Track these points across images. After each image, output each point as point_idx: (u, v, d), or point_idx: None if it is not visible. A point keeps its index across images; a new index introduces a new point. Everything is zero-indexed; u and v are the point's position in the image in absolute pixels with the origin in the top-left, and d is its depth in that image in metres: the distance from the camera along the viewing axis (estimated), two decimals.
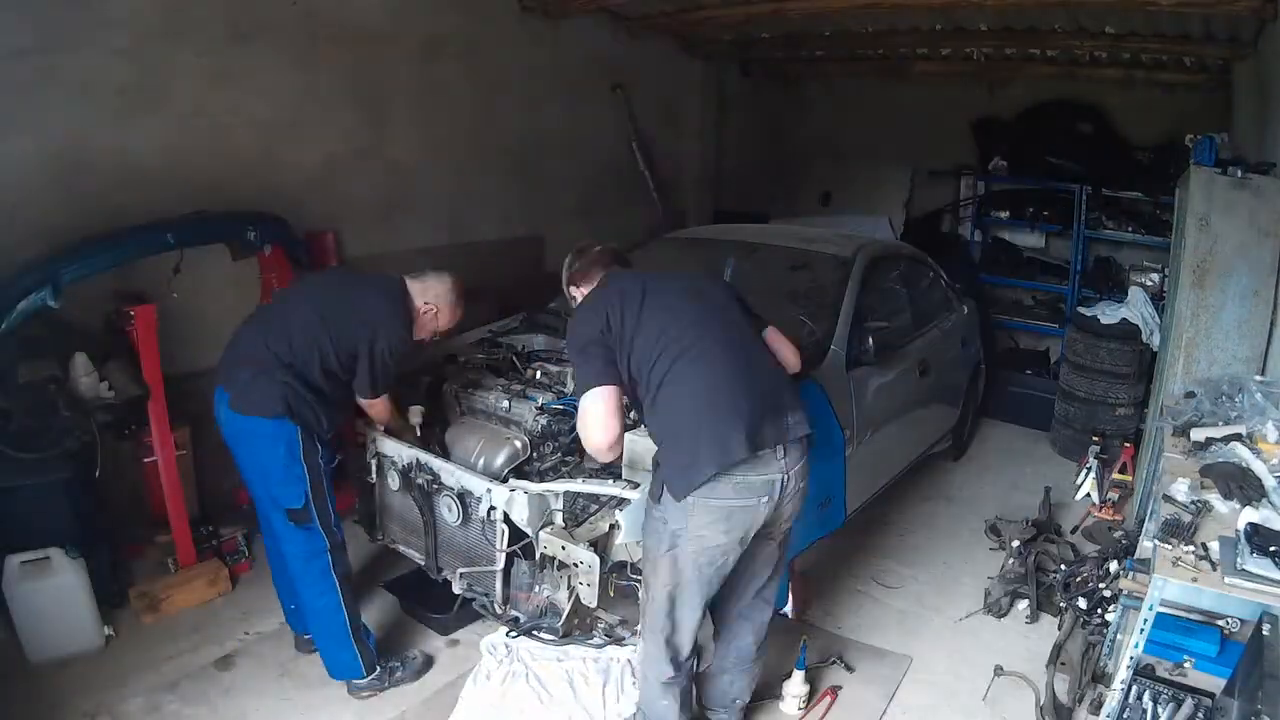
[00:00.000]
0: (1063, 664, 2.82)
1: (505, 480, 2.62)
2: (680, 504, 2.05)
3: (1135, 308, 4.66)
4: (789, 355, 2.45)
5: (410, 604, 3.15)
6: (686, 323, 2.15)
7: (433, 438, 3.01)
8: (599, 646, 2.72)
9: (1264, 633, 1.82)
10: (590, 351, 2.16)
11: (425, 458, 2.81)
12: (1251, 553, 1.88)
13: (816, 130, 7.18)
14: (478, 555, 2.70)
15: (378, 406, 2.74)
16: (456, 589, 2.78)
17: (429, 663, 2.89)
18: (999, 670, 2.81)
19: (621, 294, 2.22)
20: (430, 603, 3.05)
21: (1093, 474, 4.13)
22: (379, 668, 2.71)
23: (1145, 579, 2.10)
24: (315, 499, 2.52)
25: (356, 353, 2.55)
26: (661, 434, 2.15)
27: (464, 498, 2.66)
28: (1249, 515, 2.02)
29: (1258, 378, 2.91)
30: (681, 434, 2.09)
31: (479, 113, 4.82)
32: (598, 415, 2.15)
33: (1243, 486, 2.20)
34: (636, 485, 2.46)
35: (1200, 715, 2.16)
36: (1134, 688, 2.18)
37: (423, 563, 2.91)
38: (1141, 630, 2.04)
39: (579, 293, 2.49)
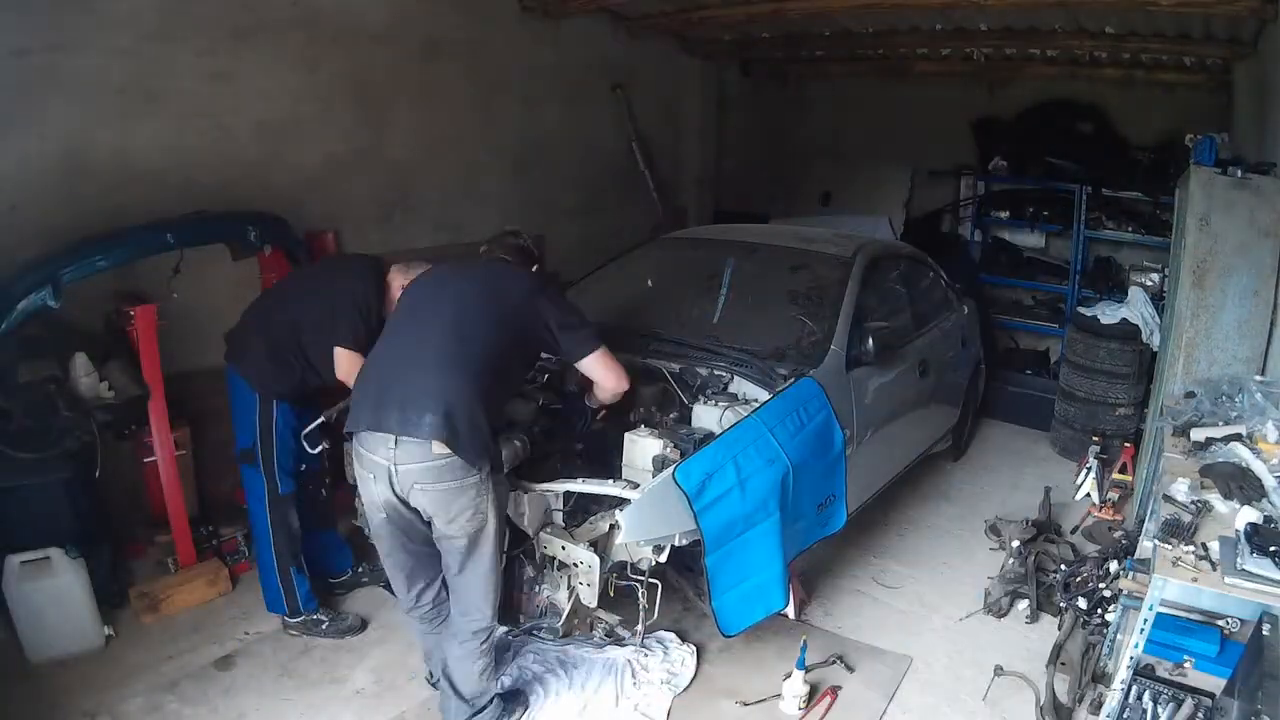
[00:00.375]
0: (1063, 664, 2.82)
1: None
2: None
3: (1135, 308, 4.66)
4: (598, 379, 2.55)
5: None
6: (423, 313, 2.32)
7: None
8: (599, 646, 2.73)
9: (1264, 633, 1.83)
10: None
11: None
12: (1251, 553, 1.88)
13: (816, 130, 7.18)
14: None
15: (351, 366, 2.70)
16: None
17: (361, 625, 3.09)
18: (999, 670, 2.81)
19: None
20: None
21: (1093, 474, 4.12)
22: (304, 615, 3.01)
23: (1145, 579, 2.10)
24: (263, 446, 2.88)
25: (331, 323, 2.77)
26: None
27: None
28: (1248, 515, 2.02)
29: (1258, 378, 2.91)
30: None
31: (479, 113, 4.82)
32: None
33: (1243, 486, 2.20)
34: (636, 485, 2.46)
35: (1200, 715, 2.16)
36: (1134, 688, 2.18)
37: None
38: (1141, 630, 2.04)
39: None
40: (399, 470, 2.15)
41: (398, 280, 2.80)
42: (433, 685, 2.61)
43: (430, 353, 2.20)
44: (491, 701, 2.44)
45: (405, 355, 2.25)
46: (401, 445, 2.12)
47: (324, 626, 3.04)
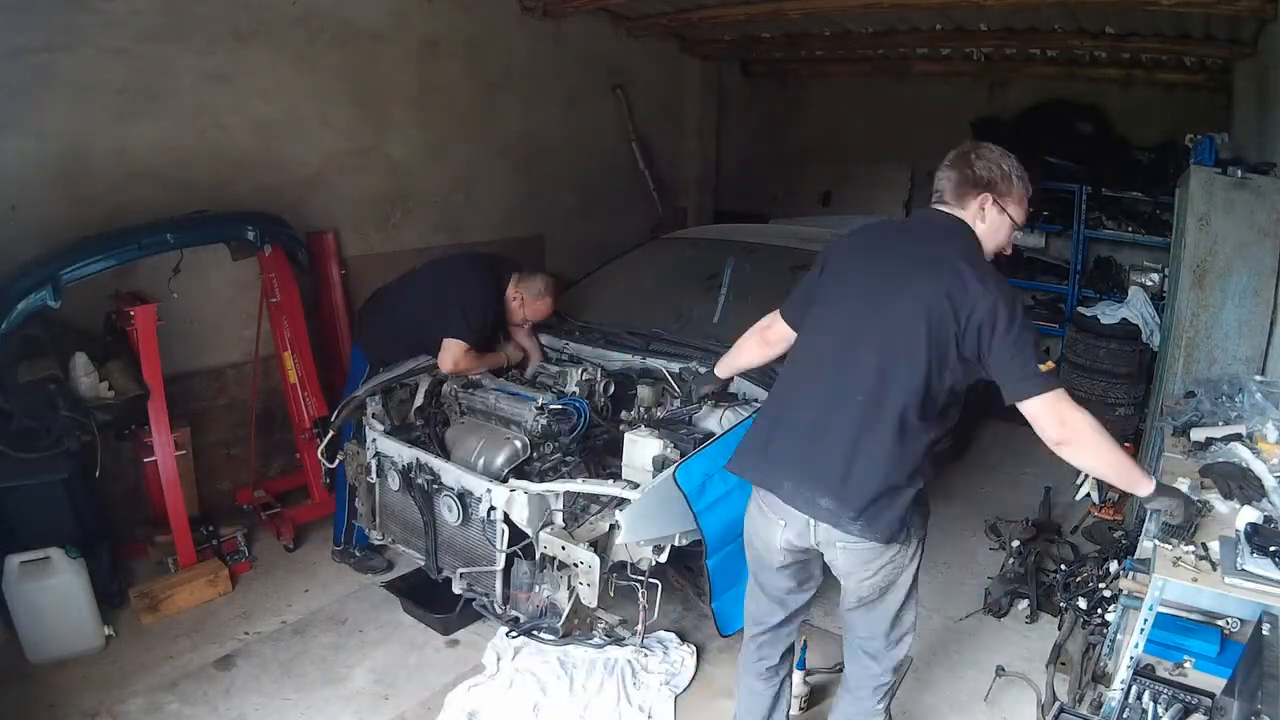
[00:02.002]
0: (1063, 664, 2.82)
1: (505, 480, 2.62)
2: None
3: (1135, 308, 4.66)
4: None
5: (411, 604, 3.14)
6: None
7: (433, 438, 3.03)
8: (599, 646, 2.73)
9: (1264, 633, 1.82)
10: None
11: (425, 458, 2.81)
12: (1251, 553, 1.88)
13: (816, 130, 7.17)
14: (478, 555, 2.70)
15: (458, 355, 3.09)
16: (456, 589, 2.78)
17: (388, 567, 3.42)
18: (1000, 670, 2.81)
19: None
20: (431, 603, 3.05)
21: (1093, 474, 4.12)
22: (343, 547, 3.45)
23: (1145, 579, 2.10)
24: None
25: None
26: None
27: (464, 498, 2.67)
28: (1248, 515, 2.02)
29: (1258, 378, 2.91)
30: None
31: (479, 113, 4.82)
32: None
33: (1243, 486, 2.20)
34: (636, 485, 2.46)
35: (1200, 715, 2.16)
36: (1134, 688, 2.18)
37: (423, 563, 2.91)
38: (1141, 630, 2.04)
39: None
40: (819, 529, 1.93)
41: (512, 288, 3.28)
42: None
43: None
44: None
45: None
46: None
47: (353, 560, 3.43)
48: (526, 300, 3.29)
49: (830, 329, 1.96)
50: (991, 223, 2.07)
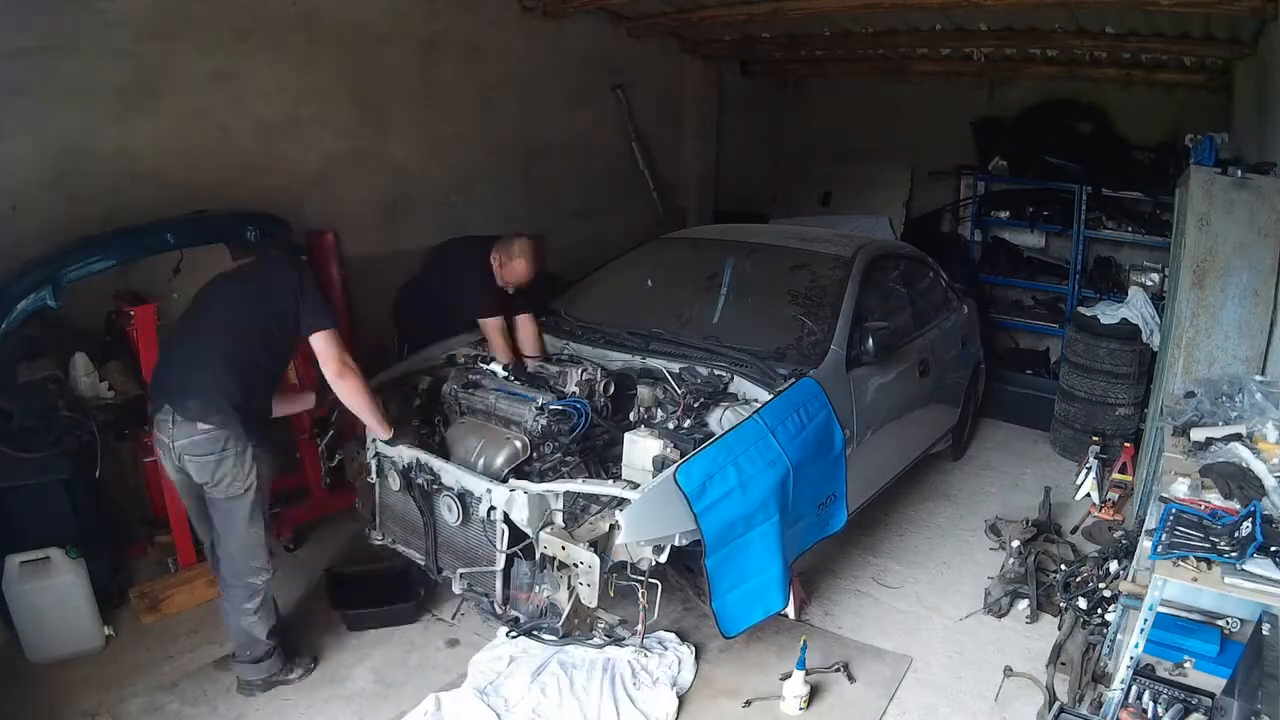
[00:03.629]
0: (1063, 664, 2.82)
1: (505, 480, 2.62)
2: None
3: (1135, 308, 4.66)
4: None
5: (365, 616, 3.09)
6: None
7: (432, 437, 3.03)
8: (599, 646, 2.73)
9: (1264, 633, 1.82)
10: None
11: (425, 458, 2.81)
12: (1252, 553, 1.88)
13: (816, 130, 7.18)
14: (478, 555, 2.70)
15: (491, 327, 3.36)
16: (456, 589, 2.78)
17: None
18: (1008, 671, 2.80)
19: None
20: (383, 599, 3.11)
21: (1093, 474, 4.12)
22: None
23: (1145, 579, 2.10)
24: None
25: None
26: None
27: (464, 498, 2.67)
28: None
29: (1258, 378, 2.91)
30: None
31: (479, 113, 4.82)
32: None
33: (1243, 486, 2.20)
34: (636, 485, 2.46)
35: (1200, 715, 2.16)
36: (1134, 688, 2.18)
37: (423, 563, 2.91)
38: (1141, 630, 2.04)
39: None
40: (177, 446, 2.55)
41: (495, 255, 3.48)
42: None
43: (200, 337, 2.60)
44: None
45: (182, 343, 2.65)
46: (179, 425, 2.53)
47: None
48: (504, 263, 3.46)
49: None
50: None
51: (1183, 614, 2.35)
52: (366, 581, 3.24)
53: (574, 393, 2.99)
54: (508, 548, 2.57)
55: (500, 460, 2.75)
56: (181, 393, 2.50)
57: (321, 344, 2.61)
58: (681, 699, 2.72)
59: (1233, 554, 1.90)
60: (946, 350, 4.22)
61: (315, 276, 2.78)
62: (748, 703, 2.70)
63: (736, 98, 6.97)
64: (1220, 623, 2.32)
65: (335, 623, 3.07)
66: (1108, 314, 4.69)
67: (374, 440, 3.01)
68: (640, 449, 2.59)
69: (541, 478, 2.66)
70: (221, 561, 2.71)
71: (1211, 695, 2.15)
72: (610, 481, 2.54)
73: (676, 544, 2.47)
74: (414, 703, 2.68)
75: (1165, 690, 2.20)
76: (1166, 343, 3.69)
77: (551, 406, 2.83)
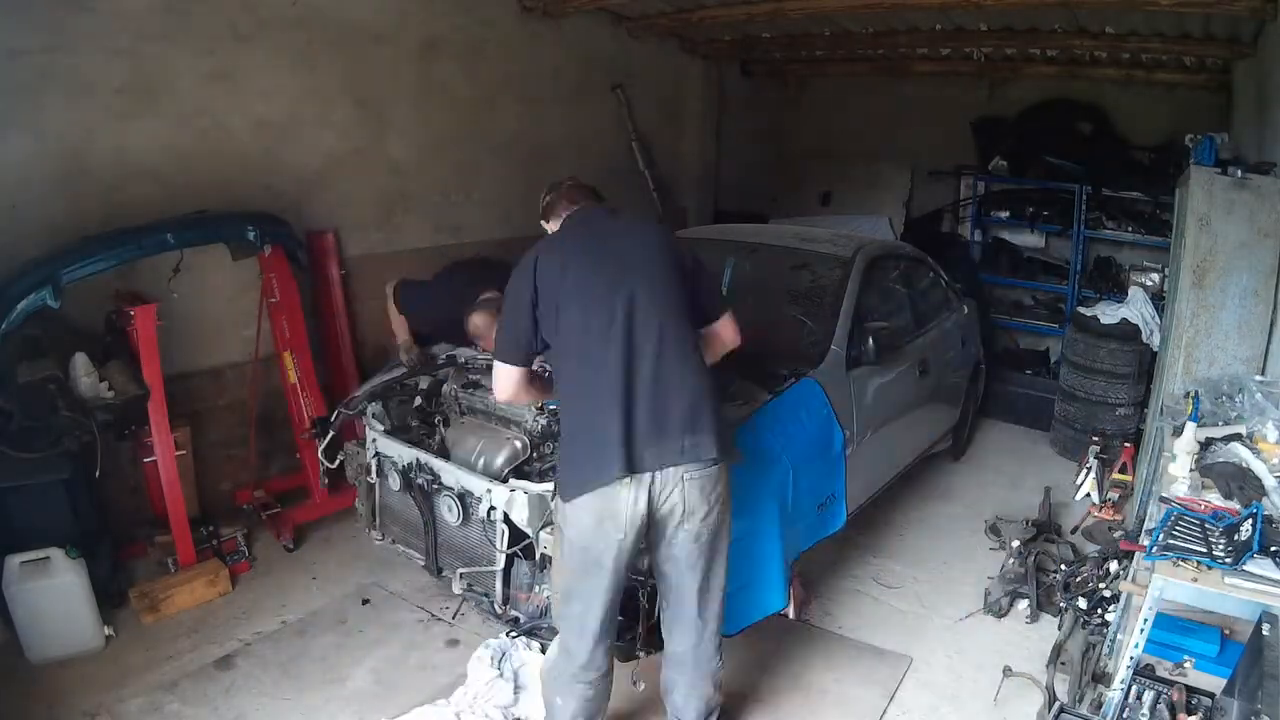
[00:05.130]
0: (1063, 664, 2.82)
1: (505, 480, 2.62)
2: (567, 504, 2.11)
3: (1135, 308, 4.66)
4: (728, 340, 2.34)
5: None
6: (595, 325, 2.05)
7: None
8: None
9: (1264, 633, 1.82)
10: (510, 320, 2.17)
11: (425, 458, 2.81)
12: (1247, 559, 1.88)
13: (817, 130, 7.18)
14: (478, 555, 2.70)
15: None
16: (456, 589, 2.78)
17: None
18: (1008, 671, 2.80)
19: (552, 260, 2.15)
20: None
21: (1093, 474, 4.12)
22: None
23: (1145, 579, 2.10)
24: None
25: None
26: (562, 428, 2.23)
27: (464, 498, 2.67)
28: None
29: (1258, 378, 2.90)
30: (570, 441, 2.16)
31: (479, 113, 4.82)
32: (501, 384, 2.21)
33: (1243, 486, 2.20)
34: None
35: (1200, 715, 2.16)
36: (1134, 688, 2.18)
37: (423, 563, 2.91)
38: (1141, 630, 2.04)
39: (549, 228, 2.40)
40: (666, 494, 2.07)
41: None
42: None
43: (639, 369, 2.08)
44: None
45: (613, 390, 2.07)
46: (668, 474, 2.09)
47: None
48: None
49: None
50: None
51: (1183, 614, 2.35)
52: None
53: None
54: (508, 548, 2.57)
55: (500, 460, 2.75)
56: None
57: None
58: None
59: (1227, 560, 1.90)
60: (946, 350, 4.22)
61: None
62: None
63: (736, 98, 6.97)
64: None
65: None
66: (1108, 314, 4.69)
67: (374, 440, 3.01)
68: None
69: (541, 478, 2.66)
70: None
71: (1211, 695, 2.16)
72: None
73: None
74: (414, 703, 2.68)
75: (1165, 690, 2.20)
76: (1166, 343, 3.69)
77: (551, 406, 2.82)
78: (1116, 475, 4.02)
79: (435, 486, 2.75)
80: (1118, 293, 5.08)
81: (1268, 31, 3.80)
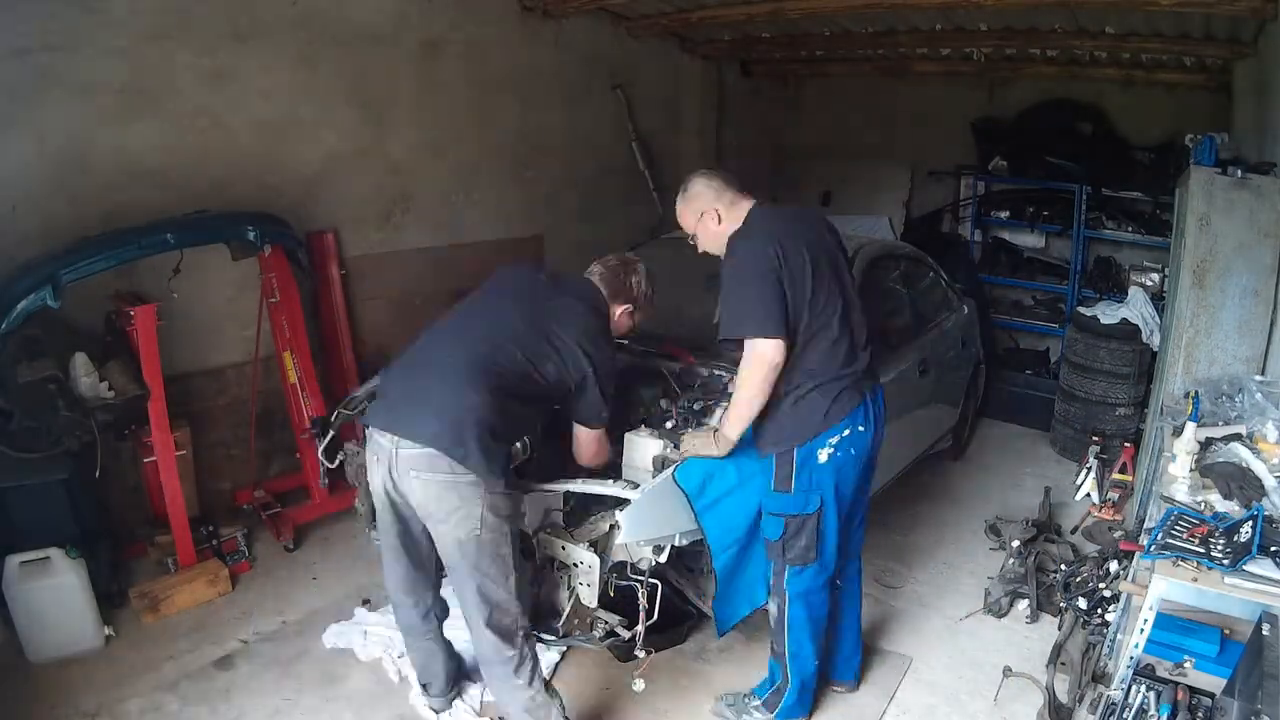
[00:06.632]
0: (1063, 664, 2.82)
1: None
2: None
3: (1135, 308, 4.66)
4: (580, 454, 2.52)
5: None
6: None
7: None
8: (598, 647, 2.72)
9: (1264, 633, 1.82)
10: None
11: None
12: (1245, 562, 1.88)
13: (817, 130, 7.17)
14: None
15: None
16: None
17: None
18: (1008, 671, 2.81)
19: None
20: None
21: (1093, 474, 4.12)
22: None
23: (1145, 579, 2.10)
24: None
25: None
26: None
27: None
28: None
29: (1258, 378, 2.91)
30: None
31: (479, 113, 4.82)
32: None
33: (1243, 486, 2.20)
34: (636, 485, 2.46)
35: (1200, 715, 2.16)
36: (1134, 688, 2.18)
37: None
38: (1141, 630, 2.04)
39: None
40: (394, 469, 2.18)
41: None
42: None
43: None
44: None
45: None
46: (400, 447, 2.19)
47: None
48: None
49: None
50: (621, 321, 2.59)
51: (1183, 614, 2.35)
52: None
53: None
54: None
55: None
56: None
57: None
58: (683, 698, 2.72)
59: (1225, 561, 1.90)
60: (946, 350, 4.22)
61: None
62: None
63: (736, 98, 6.96)
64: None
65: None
66: (1108, 314, 4.69)
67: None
68: (640, 449, 2.59)
69: (542, 478, 2.66)
70: None
71: (1211, 695, 2.15)
72: (610, 481, 2.54)
73: (677, 544, 2.47)
74: (414, 702, 2.68)
75: (1165, 690, 2.20)
76: (1166, 343, 3.69)
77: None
78: (1116, 475, 4.02)
79: None
80: (1118, 293, 5.08)
81: (1268, 31, 3.80)
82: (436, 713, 2.63)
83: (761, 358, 2.17)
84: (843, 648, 2.75)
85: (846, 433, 2.33)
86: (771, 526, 2.40)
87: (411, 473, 2.13)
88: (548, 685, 2.41)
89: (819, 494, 2.33)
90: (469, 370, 2.17)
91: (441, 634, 2.55)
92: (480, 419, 2.12)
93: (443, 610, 2.53)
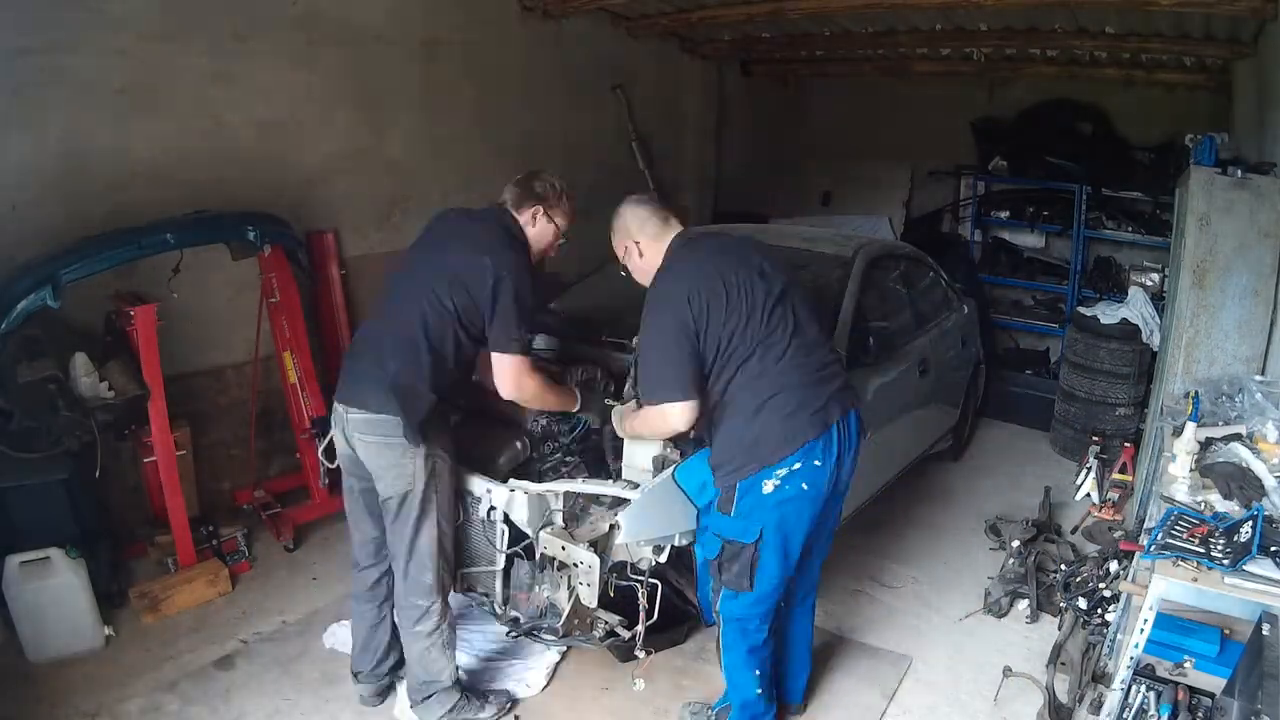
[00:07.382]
0: (1063, 664, 2.82)
1: (505, 480, 2.62)
2: None
3: (1135, 308, 4.66)
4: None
5: None
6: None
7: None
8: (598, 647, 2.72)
9: (1264, 633, 1.82)
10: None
11: None
12: (1245, 562, 1.88)
13: (816, 130, 7.18)
14: (478, 555, 2.70)
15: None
16: (456, 589, 2.78)
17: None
18: (1008, 671, 2.81)
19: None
20: None
21: (1093, 474, 4.13)
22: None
23: (1145, 579, 2.10)
24: None
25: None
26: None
27: (464, 498, 2.66)
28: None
29: (1258, 378, 2.91)
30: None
31: (479, 113, 4.82)
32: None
33: (1243, 486, 2.20)
34: (636, 485, 2.46)
35: (1200, 715, 2.16)
36: (1134, 687, 2.18)
37: None
38: (1141, 630, 2.04)
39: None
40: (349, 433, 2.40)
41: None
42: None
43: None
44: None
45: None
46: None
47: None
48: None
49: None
50: (539, 227, 2.64)
51: (1183, 614, 2.35)
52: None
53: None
54: (508, 548, 2.57)
55: (500, 460, 2.75)
56: None
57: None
58: (683, 698, 2.72)
59: (1225, 561, 1.90)
60: (946, 350, 4.22)
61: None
62: None
63: (736, 98, 6.97)
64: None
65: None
66: (1108, 314, 4.69)
67: None
68: (640, 449, 2.59)
69: (541, 478, 2.66)
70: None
71: (1211, 695, 2.15)
72: (610, 481, 2.54)
73: (677, 544, 2.47)
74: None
75: (1165, 690, 2.20)
76: (1166, 343, 3.69)
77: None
78: (1116, 475, 4.02)
79: None
80: (1118, 293, 5.09)
81: (1268, 31, 3.80)
82: (363, 699, 2.69)
83: (665, 418, 2.20)
84: (788, 678, 2.65)
85: (797, 466, 2.14)
86: (709, 544, 2.34)
87: (357, 435, 2.37)
88: (448, 646, 2.54)
89: (759, 525, 2.17)
90: (391, 339, 2.35)
91: (391, 609, 2.60)
92: (399, 384, 2.28)
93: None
